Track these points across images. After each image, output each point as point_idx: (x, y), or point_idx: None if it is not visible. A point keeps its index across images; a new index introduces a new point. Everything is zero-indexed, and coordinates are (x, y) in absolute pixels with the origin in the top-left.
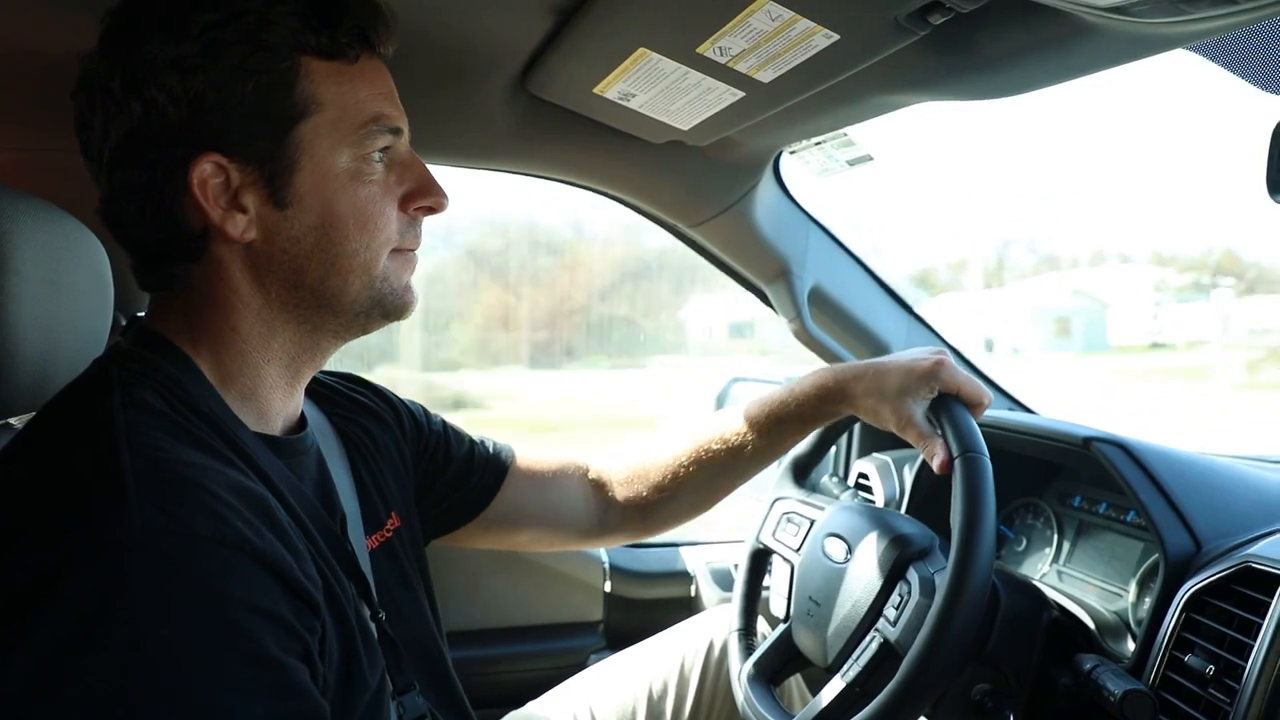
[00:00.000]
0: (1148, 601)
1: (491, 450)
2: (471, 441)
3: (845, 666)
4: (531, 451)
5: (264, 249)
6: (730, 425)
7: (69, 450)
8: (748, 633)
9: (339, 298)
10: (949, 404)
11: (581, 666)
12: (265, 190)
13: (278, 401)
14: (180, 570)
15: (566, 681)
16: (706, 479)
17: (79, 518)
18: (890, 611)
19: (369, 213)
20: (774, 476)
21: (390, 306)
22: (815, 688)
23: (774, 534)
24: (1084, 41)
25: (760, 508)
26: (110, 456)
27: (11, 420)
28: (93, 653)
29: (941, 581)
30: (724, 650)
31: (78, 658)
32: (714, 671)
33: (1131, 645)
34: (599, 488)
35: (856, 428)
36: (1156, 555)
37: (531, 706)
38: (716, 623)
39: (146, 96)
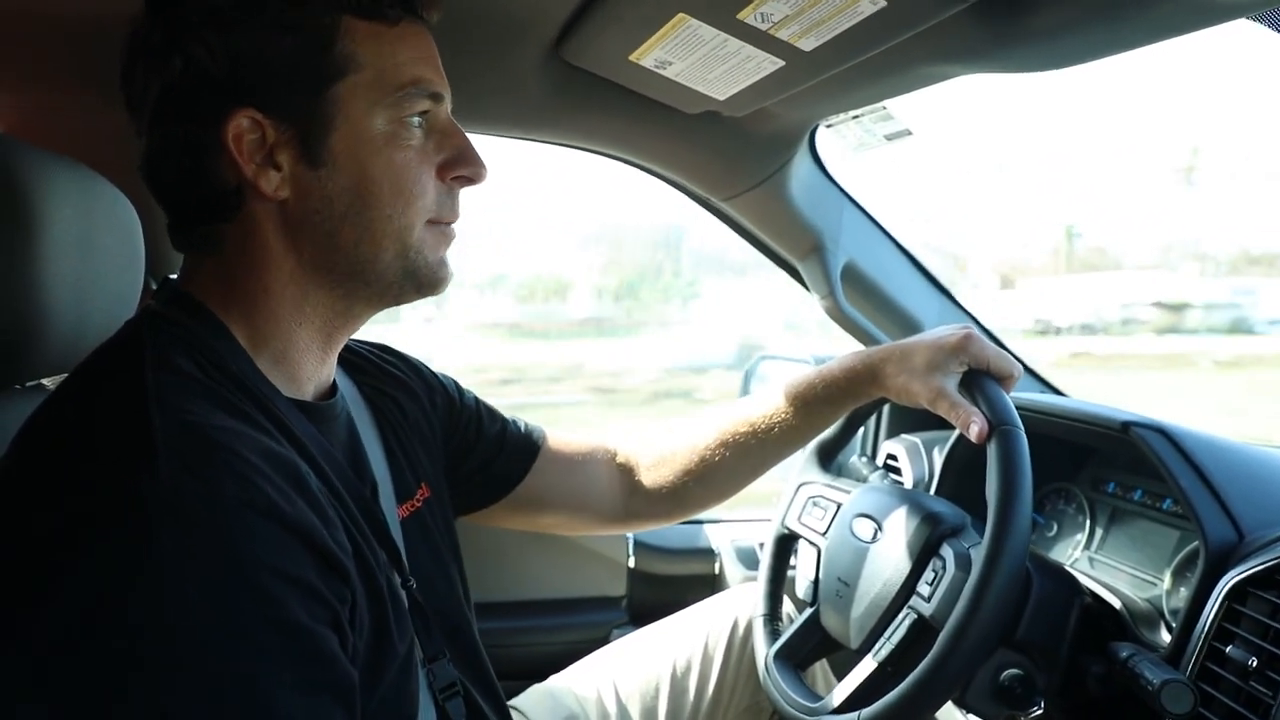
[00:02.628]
0: (1183, 591)
1: (523, 430)
2: (504, 421)
3: (877, 646)
4: (561, 434)
5: (297, 208)
6: (758, 409)
7: (99, 411)
8: (773, 617)
9: (371, 265)
10: (980, 379)
11: (604, 641)
12: (299, 148)
13: (310, 366)
14: (207, 533)
15: (589, 656)
16: (734, 463)
17: (107, 478)
18: (924, 588)
19: (404, 178)
20: (799, 461)
21: (424, 280)
22: (842, 672)
23: (799, 518)
24: (1141, 10)
25: (785, 491)
26: (140, 418)
27: (44, 380)
28: (115, 611)
29: (977, 555)
30: (749, 629)
31: (100, 616)
32: (738, 650)
33: (1165, 634)
34: (626, 472)
35: (886, 409)
36: (1193, 544)
37: (554, 680)
38: (741, 601)
39: (187, 51)
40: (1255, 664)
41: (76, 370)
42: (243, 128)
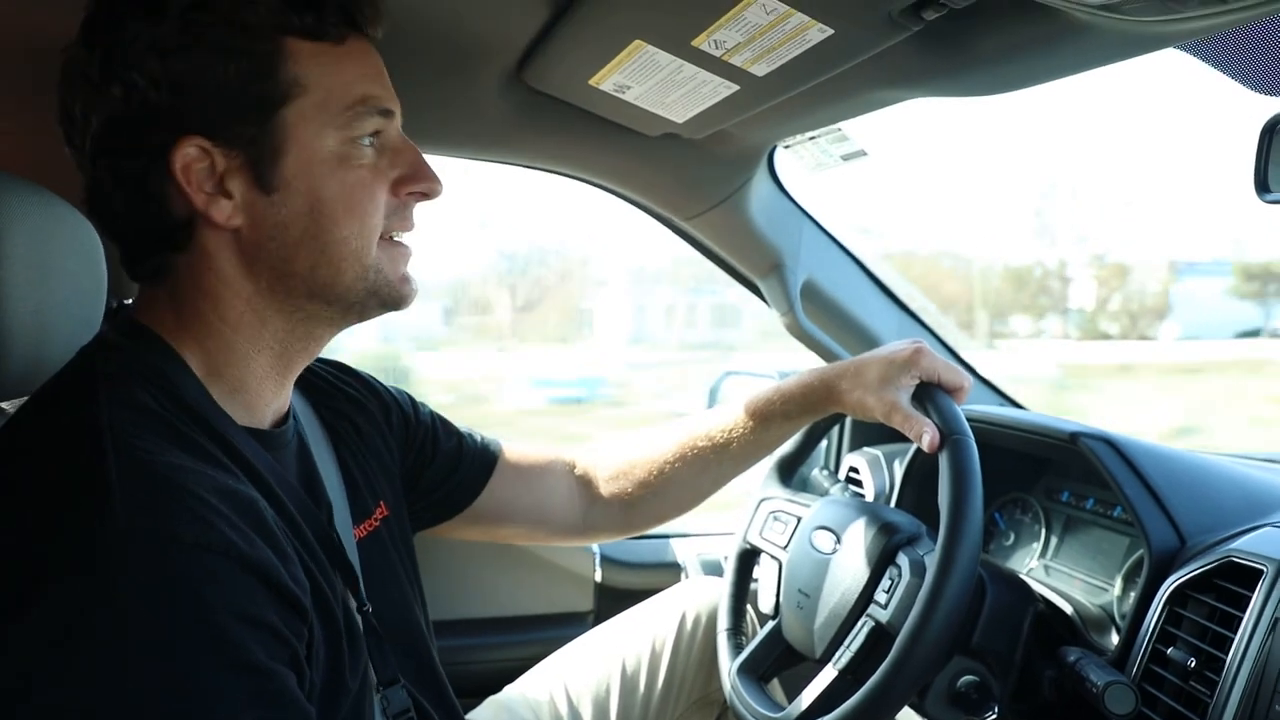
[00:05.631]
0: (1132, 596)
1: (479, 443)
2: (460, 434)
3: (837, 654)
4: (519, 446)
5: (251, 236)
6: (717, 423)
7: (54, 451)
8: (736, 631)
9: (331, 287)
10: (931, 391)
11: None
12: (250, 175)
13: (268, 394)
14: (165, 577)
15: (541, 662)
16: (692, 476)
17: (63, 523)
18: (881, 596)
19: (357, 197)
20: (760, 476)
21: (387, 297)
22: (806, 683)
23: (760, 533)
24: (1075, 39)
25: (746, 506)
26: (95, 459)
27: (3, 405)
28: (76, 660)
29: (931, 562)
30: (696, 621)
31: (61, 665)
32: (687, 643)
33: (1116, 639)
34: (585, 484)
35: (847, 423)
36: (1142, 550)
37: (508, 689)
38: (688, 596)
39: (126, 80)
40: (1194, 664)
41: (29, 403)
42: (190, 157)
